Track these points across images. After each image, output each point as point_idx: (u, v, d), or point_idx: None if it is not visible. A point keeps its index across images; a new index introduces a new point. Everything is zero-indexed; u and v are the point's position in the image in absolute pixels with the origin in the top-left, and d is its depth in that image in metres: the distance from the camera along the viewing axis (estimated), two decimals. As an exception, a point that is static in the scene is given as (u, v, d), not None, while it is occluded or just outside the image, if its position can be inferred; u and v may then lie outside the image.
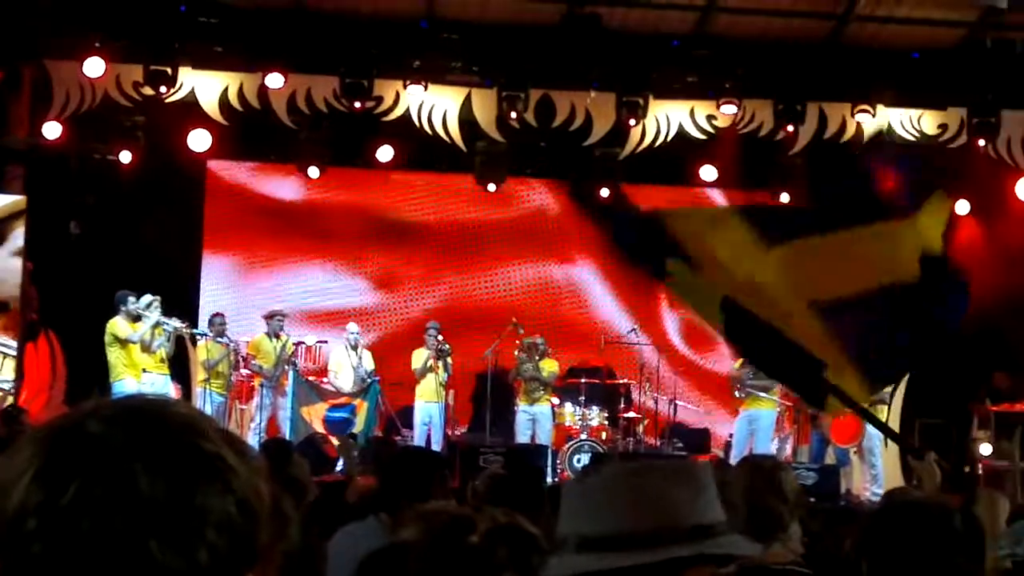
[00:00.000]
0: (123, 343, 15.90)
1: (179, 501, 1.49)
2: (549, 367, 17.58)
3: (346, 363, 17.49)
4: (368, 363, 17.56)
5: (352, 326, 17.86)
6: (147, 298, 16.09)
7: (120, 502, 1.47)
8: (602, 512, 2.31)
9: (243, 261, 19.59)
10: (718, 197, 19.54)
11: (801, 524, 5.34)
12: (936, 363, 16.98)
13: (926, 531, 3.72)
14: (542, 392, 17.49)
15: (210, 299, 18.98)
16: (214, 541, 1.51)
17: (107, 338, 15.93)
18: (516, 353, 17.79)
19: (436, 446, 17.11)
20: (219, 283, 19.42)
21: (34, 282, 16.62)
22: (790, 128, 17.60)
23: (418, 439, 17.05)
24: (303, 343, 17.90)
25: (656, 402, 18.31)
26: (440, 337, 17.36)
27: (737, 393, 17.39)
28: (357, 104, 17.01)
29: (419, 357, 17.42)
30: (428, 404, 17.30)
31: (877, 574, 3.73)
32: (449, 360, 17.33)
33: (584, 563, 2.29)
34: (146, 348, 15.98)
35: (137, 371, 15.95)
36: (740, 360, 17.47)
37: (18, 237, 16.39)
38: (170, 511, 1.48)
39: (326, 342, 18.20)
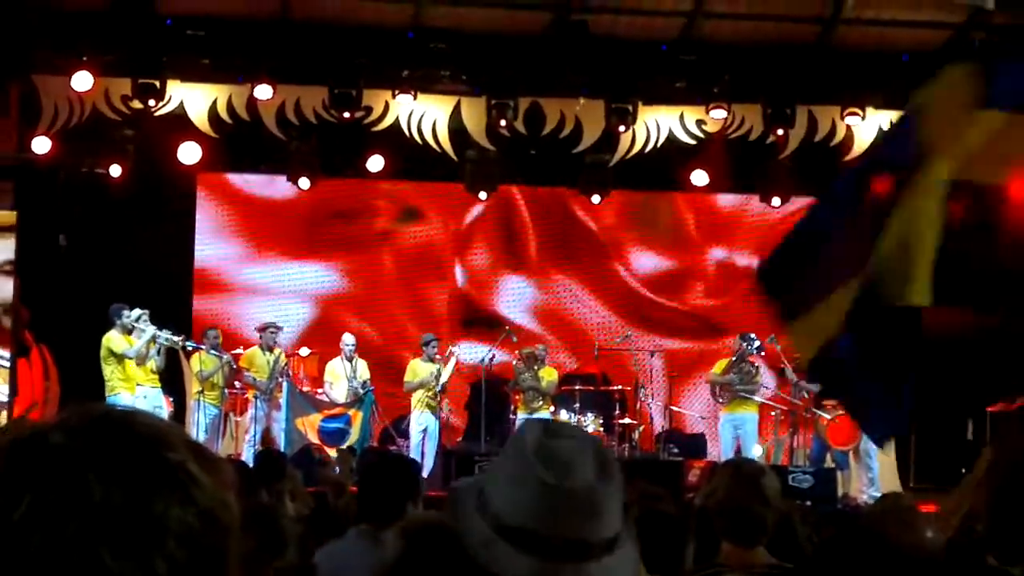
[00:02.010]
0: (119, 358, 15.88)
1: (135, 510, 1.46)
2: (548, 376, 17.57)
3: (341, 374, 17.47)
4: (363, 373, 17.53)
5: (348, 337, 17.83)
6: (136, 311, 16.07)
7: (72, 511, 1.45)
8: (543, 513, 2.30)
9: (235, 273, 19.55)
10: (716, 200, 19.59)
11: (792, 527, 5.34)
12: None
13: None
14: (541, 402, 17.48)
15: (202, 312, 18.96)
16: (173, 552, 1.48)
17: (103, 352, 15.91)
18: (515, 363, 17.79)
19: (431, 456, 17.13)
20: (211, 295, 19.38)
21: (25, 296, 16.59)
22: (780, 132, 17.60)
23: (414, 449, 17.04)
24: (297, 354, 17.89)
25: (651, 408, 18.31)
26: (441, 356, 17.35)
27: (719, 398, 17.41)
28: (346, 114, 17.01)
29: (415, 370, 17.36)
30: (424, 413, 17.28)
31: None
32: (444, 381, 17.37)
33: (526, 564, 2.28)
34: (142, 362, 15.97)
35: (132, 385, 15.94)
36: (724, 364, 17.49)
37: (7, 251, 16.38)
38: (125, 520, 1.46)
39: (319, 353, 18.18)
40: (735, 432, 17.21)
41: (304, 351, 18.17)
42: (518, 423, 17.39)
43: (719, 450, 17.66)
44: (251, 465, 11.47)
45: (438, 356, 17.36)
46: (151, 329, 15.95)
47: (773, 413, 17.75)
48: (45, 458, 1.49)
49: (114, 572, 1.45)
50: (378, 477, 5.85)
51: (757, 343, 17.19)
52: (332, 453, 16.64)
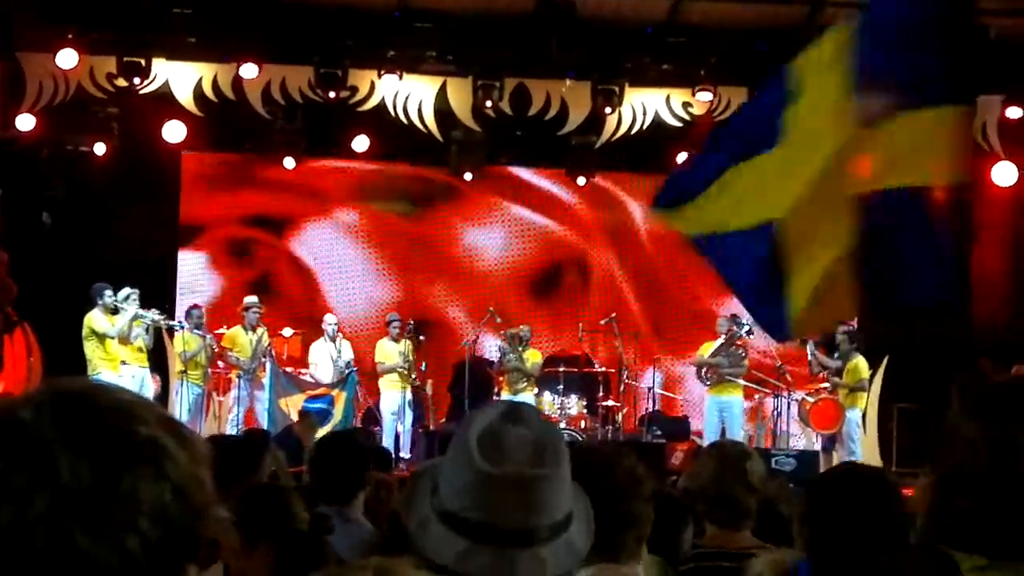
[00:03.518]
0: (100, 337, 15.87)
1: (104, 487, 1.45)
2: (533, 358, 17.60)
3: (325, 354, 17.47)
4: (347, 354, 17.55)
5: (330, 317, 17.84)
6: (125, 291, 16.06)
7: (39, 489, 1.44)
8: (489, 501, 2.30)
9: (219, 252, 19.51)
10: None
11: (777, 509, 5.34)
12: (914, 347, 17.06)
13: (865, 500, 3.73)
14: (525, 383, 17.50)
15: (186, 291, 18.93)
16: (146, 530, 1.47)
17: (84, 331, 15.90)
18: (499, 344, 17.79)
19: (406, 436, 17.17)
20: (195, 274, 19.35)
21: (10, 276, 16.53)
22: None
23: (388, 429, 17.05)
24: (280, 334, 17.87)
25: (635, 390, 18.32)
26: (408, 343, 17.37)
27: (705, 380, 17.41)
28: (332, 94, 16.96)
29: (383, 350, 17.39)
30: (395, 392, 17.29)
31: (817, 542, 3.74)
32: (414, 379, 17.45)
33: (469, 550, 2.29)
34: (124, 341, 15.95)
35: (115, 364, 15.92)
36: (711, 346, 17.49)
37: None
38: (94, 497, 1.45)
39: (302, 333, 18.18)
40: (721, 415, 17.22)
41: (287, 331, 18.15)
42: (501, 403, 17.41)
43: (701, 433, 17.70)
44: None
45: (399, 336, 17.37)
46: (133, 308, 15.93)
47: (756, 397, 17.77)
48: (12, 434, 1.48)
49: (85, 550, 1.44)
50: (329, 457, 5.87)
51: (747, 326, 17.20)
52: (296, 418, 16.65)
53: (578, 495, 2.42)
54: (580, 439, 16.90)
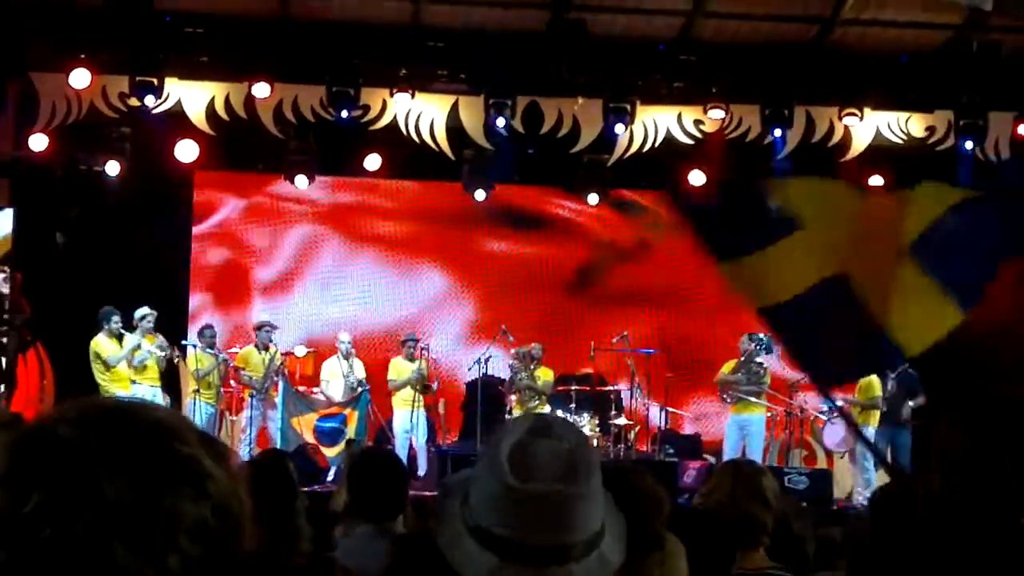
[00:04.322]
0: (105, 363, 15.90)
1: (146, 505, 1.46)
2: (545, 376, 17.57)
3: (338, 373, 17.47)
4: (359, 372, 17.55)
5: (344, 335, 17.84)
6: (142, 311, 16.08)
7: (82, 507, 1.45)
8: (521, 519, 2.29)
9: (231, 271, 19.55)
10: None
11: (789, 527, 5.32)
12: (927, 364, 16.99)
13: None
14: (537, 401, 17.48)
15: (199, 310, 18.95)
16: (186, 548, 1.48)
17: (90, 355, 15.95)
18: (511, 362, 17.78)
19: (422, 454, 17.16)
20: (207, 293, 19.37)
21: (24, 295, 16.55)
22: (778, 132, 17.58)
23: (401, 448, 17.04)
24: (292, 353, 17.88)
25: (647, 408, 18.28)
26: (422, 356, 17.38)
27: (726, 398, 17.37)
28: (344, 113, 16.98)
29: (397, 370, 17.41)
30: (406, 411, 17.29)
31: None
32: (433, 387, 17.45)
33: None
34: (129, 365, 15.99)
35: (125, 384, 15.93)
36: (732, 364, 17.46)
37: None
38: (136, 516, 1.46)
39: (315, 352, 18.18)
40: (741, 433, 17.18)
41: (300, 350, 18.15)
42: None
43: (715, 451, 17.67)
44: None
45: (416, 355, 17.40)
46: (136, 337, 15.94)
47: (769, 414, 17.73)
48: (55, 452, 1.49)
49: (126, 568, 1.45)
50: (370, 474, 5.81)
51: (765, 343, 17.18)
52: (327, 453, 16.65)
53: (610, 508, 2.40)
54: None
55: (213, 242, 19.54)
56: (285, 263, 19.69)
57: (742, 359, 17.31)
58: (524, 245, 20.00)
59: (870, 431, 17.32)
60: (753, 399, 17.19)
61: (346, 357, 17.56)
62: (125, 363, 15.94)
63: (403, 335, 17.99)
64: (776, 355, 17.72)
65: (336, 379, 17.42)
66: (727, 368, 17.53)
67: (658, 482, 3.61)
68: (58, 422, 1.51)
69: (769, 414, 17.68)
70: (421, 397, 17.32)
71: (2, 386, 15.53)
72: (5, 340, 15.63)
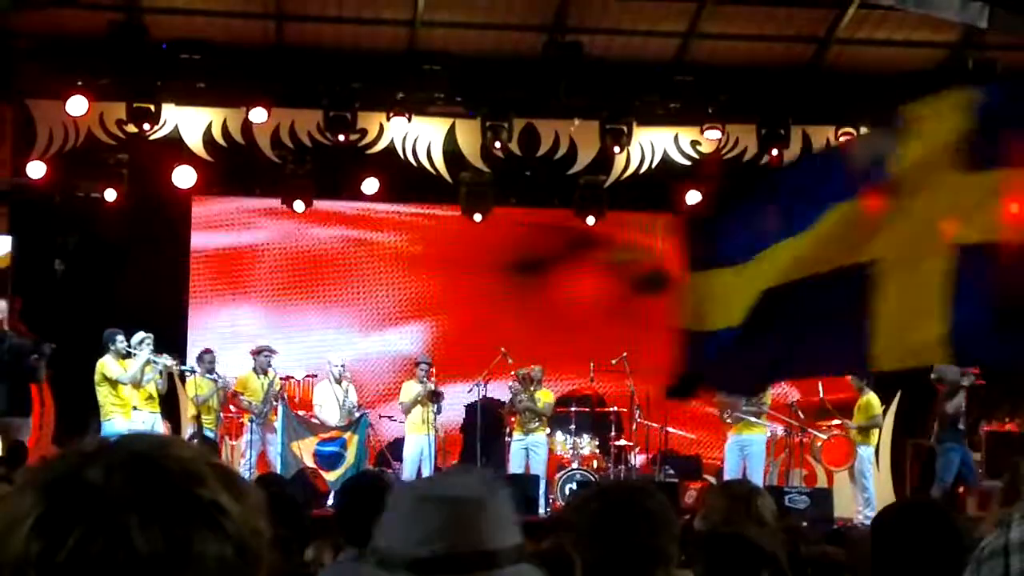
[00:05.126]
0: (113, 383, 15.88)
1: (176, 553, 1.48)
2: (545, 398, 17.53)
3: (331, 396, 17.45)
4: (353, 396, 17.53)
5: (335, 358, 17.81)
6: (139, 335, 16.08)
7: (116, 558, 1.46)
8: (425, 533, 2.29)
9: (230, 296, 19.54)
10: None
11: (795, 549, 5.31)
12: (927, 383, 17.02)
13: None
14: (537, 423, 17.46)
15: (197, 335, 18.92)
16: None
17: (96, 377, 15.90)
18: (511, 384, 17.75)
19: (428, 478, 17.10)
20: (206, 319, 19.36)
21: (22, 320, 16.56)
22: (775, 152, 17.61)
23: (410, 472, 17.02)
24: (292, 378, 17.87)
25: (647, 429, 18.23)
26: (433, 377, 17.38)
27: (726, 419, 17.34)
28: (341, 137, 17.01)
29: (408, 391, 17.42)
30: (419, 437, 17.27)
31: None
32: (442, 402, 17.40)
33: None
34: (136, 386, 15.96)
35: (127, 409, 15.91)
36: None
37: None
38: (167, 563, 1.47)
39: (315, 376, 18.17)
40: (741, 453, 17.15)
41: (299, 375, 18.14)
42: (513, 444, 17.39)
43: (715, 471, 17.64)
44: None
45: (426, 379, 17.40)
46: (146, 353, 15.95)
47: (769, 434, 17.69)
48: (86, 497, 1.50)
49: None
50: (356, 498, 5.82)
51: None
52: (327, 477, 16.63)
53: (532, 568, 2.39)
54: (594, 479, 16.86)
55: (211, 268, 19.53)
56: (283, 287, 19.66)
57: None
58: (520, 267, 19.95)
59: (870, 450, 17.33)
60: (754, 419, 17.17)
61: (338, 381, 17.54)
62: (132, 385, 15.92)
63: (418, 357, 17.97)
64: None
65: (329, 403, 17.40)
66: (727, 388, 17.49)
67: (667, 499, 3.61)
68: (86, 464, 1.52)
69: (769, 434, 17.65)
70: (434, 418, 17.25)
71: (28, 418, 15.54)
72: (38, 368, 15.71)
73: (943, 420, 16.56)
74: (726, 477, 16.67)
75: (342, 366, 17.65)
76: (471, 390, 17.91)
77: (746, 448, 17.15)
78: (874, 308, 4.98)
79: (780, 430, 17.66)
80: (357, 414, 17.24)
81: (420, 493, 2.31)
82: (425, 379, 17.36)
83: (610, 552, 3.42)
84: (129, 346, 16.09)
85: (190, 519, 1.50)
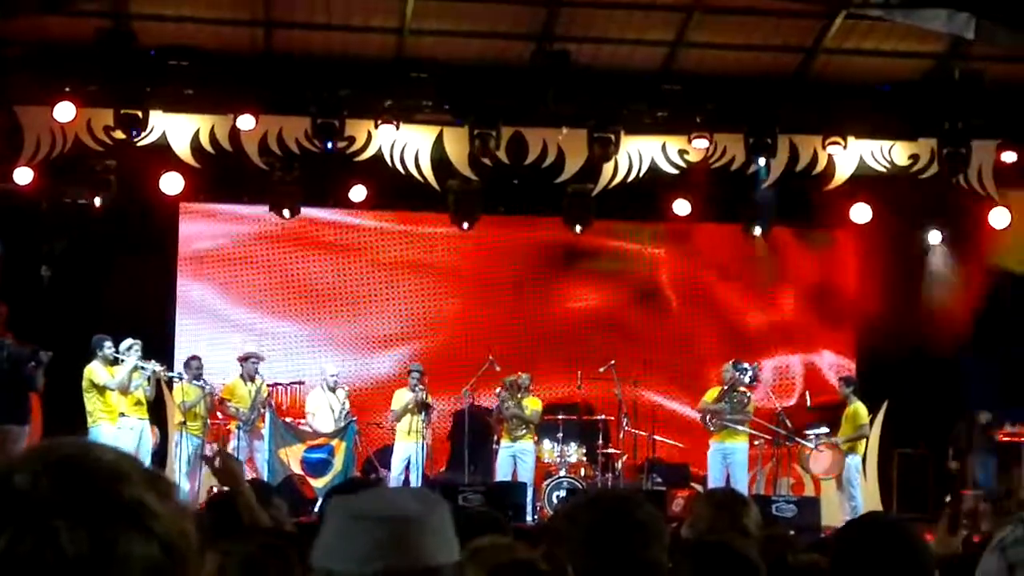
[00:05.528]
0: (101, 389, 15.88)
1: (103, 554, 1.51)
2: (532, 405, 17.56)
3: (324, 404, 17.47)
4: (347, 404, 17.55)
5: (329, 367, 17.86)
6: (127, 342, 16.09)
7: (44, 559, 1.49)
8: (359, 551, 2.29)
9: (217, 303, 19.53)
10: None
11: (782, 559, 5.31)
12: (914, 392, 17.08)
13: (891, 550, 3.72)
14: (524, 430, 17.48)
15: (185, 342, 18.90)
16: None
17: (84, 383, 15.92)
18: (498, 391, 17.76)
19: (416, 485, 17.10)
20: (193, 326, 19.34)
21: (7, 328, 16.52)
22: (761, 161, 17.63)
23: (397, 479, 17.04)
24: (279, 384, 17.86)
25: (635, 437, 18.24)
26: (423, 385, 17.40)
27: (710, 426, 17.37)
28: (329, 144, 17.00)
29: (399, 399, 17.44)
30: (407, 444, 17.28)
31: None
32: (431, 414, 17.40)
33: None
34: (124, 392, 15.96)
35: (114, 416, 15.93)
36: (715, 392, 17.48)
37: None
38: (94, 564, 1.50)
39: (302, 383, 18.17)
40: (724, 462, 17.19)
41: (286, 381, 18.14)
42: (501, 452, 17.41)
43: (702, 480, 17.65)
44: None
45: (419, 387, 17.40)
46: (133, 359, 15.95)
47: (756, 443, 17.72)
48: (12, 503, 1.53)
49: None
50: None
51: (750, 372, 17.24)
52: (314, 484, 16.63)
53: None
54: (581, 487, 16.88)
55: (198, 274, 19.52)
56: (271, 294, 19.66)
57: (726, 387, 17.34)
58: (508, 275, 19.98)
59: (857, 459, 17.36)
60: (740, 427, 17.21)
61: (332, 389, 17.56)
62: (119, 391, 15.92)
63: (410, 366, 17.98)
64: (766, 384, 17.83)
65: (323, 411, 17.41)
66: (710, 396, 17.56)
67: (657, 509, 3.62)
68: (15, 471, 1.54)
69: (756, 443, 17.67)
70: (423, 425, 17.26)
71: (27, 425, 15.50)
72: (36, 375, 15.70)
73: None
74: (710, 485, 16.71)
75: (335, 375, 17.67)
76: (458, 398, 17.92)
77: (729, 456, 17.21)
78: None
79: (766, 438, 17.69)
80: (345, 421, 17.26)
81: (356, 511, 2.30)
82: (417, 386, 17.38)
83: (603, 563, 3.42)
84: (117, 352, 16.10)
85: (116, 520, 1.52)
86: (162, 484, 1.61)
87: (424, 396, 17.33)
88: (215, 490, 13.51)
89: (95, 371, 15.94)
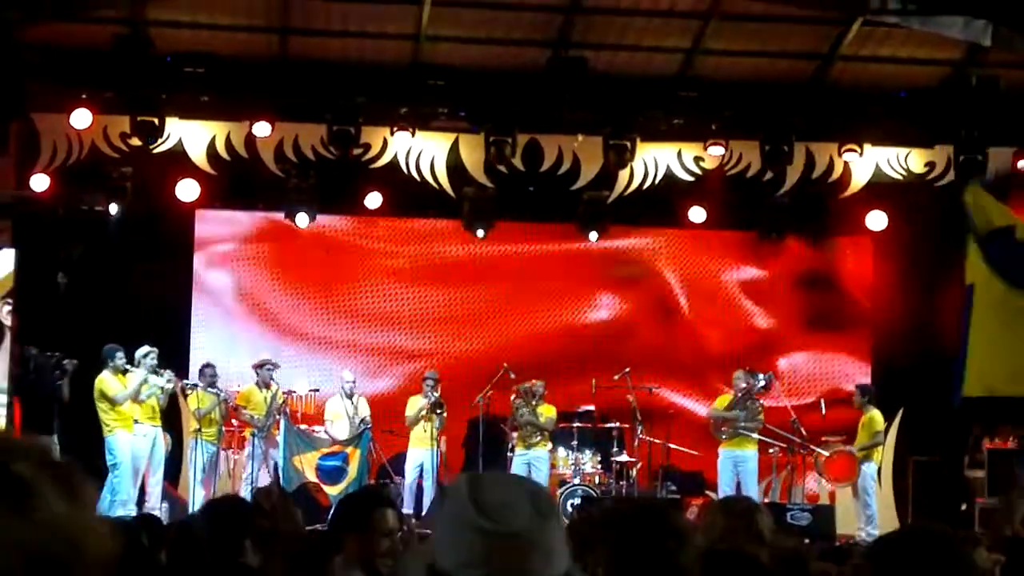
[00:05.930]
0: (111, 400, 15.88)
1: None
2: (547, 413, 17.52)
3: (342, 412, 17.46)
4: (364, 410, 17.53)
5: (347, 374, 17.85)
6: (144, 349, 16.11)
7: None
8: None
9: (233, 309, 19.53)
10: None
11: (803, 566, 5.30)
12: (929, 400, 17.01)
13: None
14: (539, 438, 17.45)
15: (200, 348, 18.90)
16: (12, 567, 1.49)
17: (95, 394, 15.92)
18: (513, 399, 17.73)
19: (428, 493, 17.10)
20: (209, 332, 19.34)
21: (24, 335, 16.51)
22: (777, 168, 17.61)
23: (410, 486, 17.02)
24: (294, 391, 17.85)
25: (649, 445, 18.20)
26: (438, 392, 17.40)
27: (721, 434, 17.32)
28: (345, 151, 17.00)
29: (414, 405, 17.45)
30: (421, 451, 17.27)
31: None
32: (444, 415, 17.37)
33: None
34: (136, 401, 15.97)
35: (128, 424, 15.93)
36: (727, 399, 17.44)
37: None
38: None
39: (317, 390, 18.16)
40: (735, 469, 17.14)
41: (301, 389, 18.13)
42: (515, 459, 17.38)
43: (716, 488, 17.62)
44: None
45: (433, 394, 17.40)
46: (143, 372, 15.95)
47: (771, 451, 17.66)
48: None
49: None
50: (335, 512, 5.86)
51: (763, 380, 17.20)
52: (329, 491, 16.62)
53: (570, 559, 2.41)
54: (596, 495, 16.85)
55: (214, 281, 19.52)
56: (287, 301, 19.65)
57: (739, 395, 17.29)
58: (523, 281, 19.95)
59: (872, 466, 17.29)
60: (754, 435, 17.17)
61: (349, 396, 17.55)
62: (130, 401, 15.93)
63: (425, 373, 17.98)
64: (777, 391, 17.77)
65: (340, 419, 17.41)
66: (721, 403, 17.52)
67: (687, 519, 3.63)
68: None
69: (771, 451, 17.62)
70: (437, 432, 17.25)
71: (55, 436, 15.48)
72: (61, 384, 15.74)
73: None
74: (720, 492, 16.69)
75: (353, 381, 17.67)
76: (473, 405, 17.91)
77: (740, 465, 17.16)
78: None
79: (781, 446, 17.63)
80: (360, 428, 17.24)
81: (469, 519, 2.32)
82: (431, 393, 17.38)
83: (638, 568, 3.45)
84: (129, 362, 16.10)
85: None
86: (63, 472, 1.58)
87: (437, 398, 17.33)
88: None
89: (106, 382, 15.94)
